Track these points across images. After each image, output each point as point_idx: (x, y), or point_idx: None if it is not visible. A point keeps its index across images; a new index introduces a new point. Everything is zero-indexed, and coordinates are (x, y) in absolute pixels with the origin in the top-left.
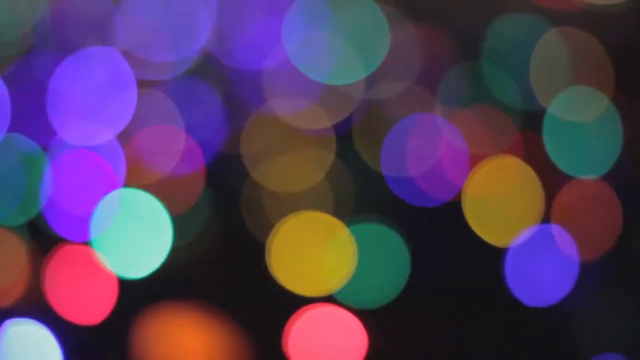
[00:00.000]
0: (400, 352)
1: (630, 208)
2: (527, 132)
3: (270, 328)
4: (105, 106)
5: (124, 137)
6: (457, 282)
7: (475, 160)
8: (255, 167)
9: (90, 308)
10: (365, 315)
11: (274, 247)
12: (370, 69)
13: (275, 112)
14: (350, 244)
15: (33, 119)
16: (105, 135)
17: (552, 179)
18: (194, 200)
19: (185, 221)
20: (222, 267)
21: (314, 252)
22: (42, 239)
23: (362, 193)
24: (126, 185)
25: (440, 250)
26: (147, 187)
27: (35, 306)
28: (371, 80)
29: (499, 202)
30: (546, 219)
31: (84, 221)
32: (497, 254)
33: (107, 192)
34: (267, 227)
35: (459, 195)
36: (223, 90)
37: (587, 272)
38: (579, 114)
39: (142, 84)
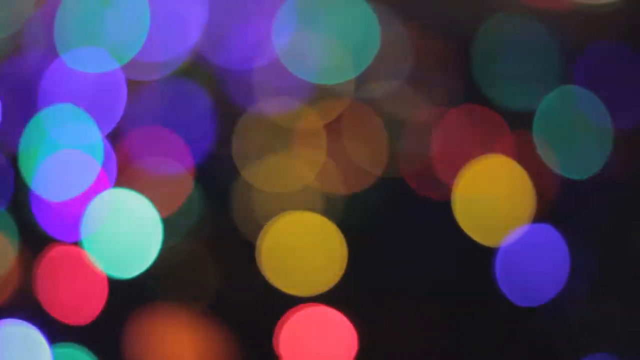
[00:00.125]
0: (390, 352)
1: (621, 207)
2: (517, 132)
3: (261, 328)
4: (96, 106)
5: (114, 138)
6: (447, 282)
7: (465, 159)
8: (246, 167)
9: (81, 308)
10: (356, 315)
11: (265, 247)
12: (360, 69)
13: (266, 112)
14: (341, 244)
15: (23, 119)
16: (96, 135)
17: (543, 179)
18: (184, 200)
19: (175, 221)
20: (212, 267)
21: (304, 252)
22: (32, 239)
23: (352, 193)
24: (116, 185)
25: (430, 250)
26: (137, 188)
27: (25, 306)
28: (361, 80)
29: (490, 201)
30: (537, 219)
31: (75, 221)
32: (487, 254)
33: (97, 192)
34: (257, 227)
35: (449, 194)
36: (213, 90)
37: (578, 271)
38: (570, 114)
39: (132, 84)
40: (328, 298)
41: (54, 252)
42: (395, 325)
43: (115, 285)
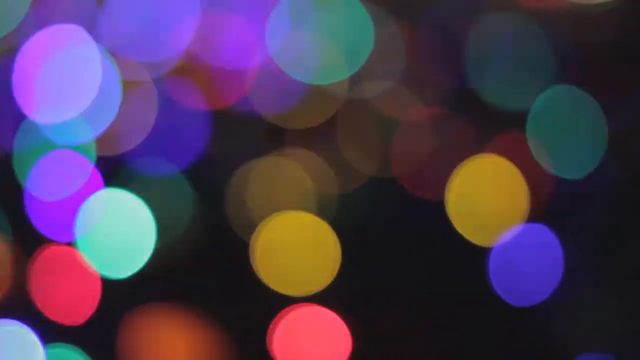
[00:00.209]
0: (384, 352)
1: (614, 207)
2: (511, 132)
3: (254, 328)
4: (90, 106)
5: (107, 137)
6: (441, 282)
7: (459, 159)
8: (239, 167)
9: (74, 308)
10: (349, 315)
11: (258, 247)
12: (354, 69)
13: (259, 112)
14: (334, 244)
15: (16, 119)
16: (89, 135)
17: (537, 179)
18: (177, 200)
19: (169, 221)
20: (206, 267)
21: (297, 252)
22: (26, 239)
23: (345, 193)
24: (110, 185)
25: (424, 250)
26: (130, 188)
27: (19, 306)
28: (355, 80)
29: (483, 201)
30: (530, 219)
31: (68, 221)
32: (481, 254)
33: (91, 192)
34: (251, 227)
35: (442, 194)
36: (207, 90)
37: (572, 271)
38: (563, 114)
39: (126, 84)
40: (321, 298)
41: (48, 252)
42: (389, 325)
43: (109, 286)
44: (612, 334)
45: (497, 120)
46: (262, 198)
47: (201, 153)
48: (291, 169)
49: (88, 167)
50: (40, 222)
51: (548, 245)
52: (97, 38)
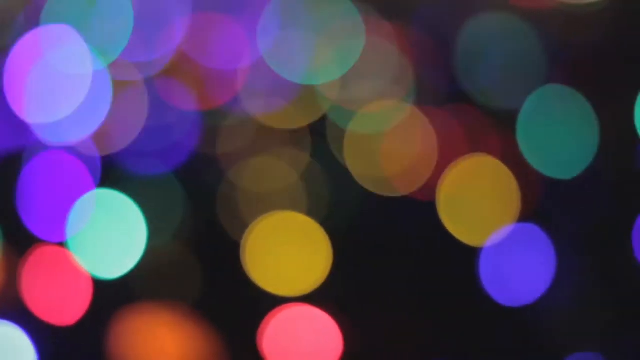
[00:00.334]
0: (375, 352)
1: (605, 208)
2: (502, 132)
3: (245, 328)
4: (80, 106)
5: (98, 138)
6: (432, 282)
7: (449, 159)
8: (230, 166)
9: (65, 308)
10: (341, 315)
11: (249, 247)
12: (345, 69)
13: (250, 111)
14: (325, 244)
15: (7, 119)
16: (80, 135)
17: (527, 179)
18: (168, 200)
19: (160, 221)
20: (197, 267)
21: (288, 251)
22: (17, 239)
23: (336, 193)
24: (101, 185)
25: (415, 250)
26: (121, 188)
27: (9, 306)
28: (346, 80)
29: (474, 201)
30: (521, 219)
31: (59, 222)
32: (472, 254)
33: (82, 192)
34: (242, 227)
35: (433, 194)
36: (197, 90)
37: (563, 271)
38: (554, 113)
39: (116, 83)
40: (313, 298)
41: (39, 252)
42: (380, 325)
43: (100, 286)
44: (602, 333)
45: (488, 120)
46: (253, 198)
47: (192, 153)
48: (282, 169)
49: (79, 168)
50: (32, 222)
51: (538, 245)
52: (88, 38)
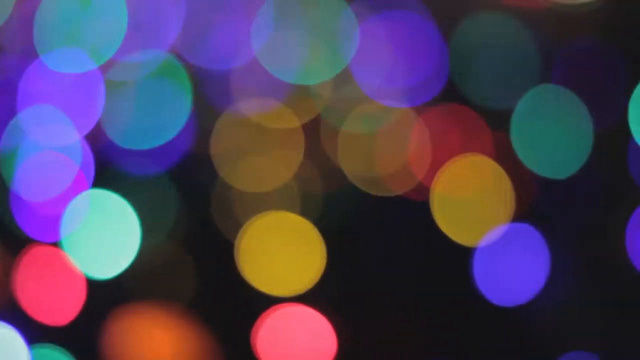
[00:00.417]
0: (369, 352)
1: (599, 207)
2: (496, 131)
3: (239, 327)
4: (74, 107)
5: (92, 138)
6: (426, 282)
7: (444, 159)
8: (224, 167)
9: (59, 308)
10: (335, 315)
11: (243, 247)
12: (338, 69)
13: (244, 112)
14: (319, 244)
15: (1, 119)
16: (74, 136)
17: (521, 178)
18: (162, 200)
19: (153, 221)
20: (191, 267)
21: (282, 251)
22: (11, 239)
23: (329, 193)
24: (95, 185)
25: (408, 250)
26: (115, 188)
27: (4, 307)
28: (339, 80)
29: (468, 201)
30: (515, 218)
31: (53, 222)
32: (466, 254)
33: (76, 193)
34: (236, 227)
35: (427, 194)
36: (191, 90)
37: (556, 271)
38: (548, 113)
39: (110, 84)
40: (307, 298)
41: (33, 253)
42: (374, 325)
43: (94, 286)
44: (596, 333)
45: (482, 120)
46: (246, 198)
47: (186, 153)
48: (276, 169)
49: (73, 168)
50: (26, 223)
51: (532, 245)
52: (82, 38)
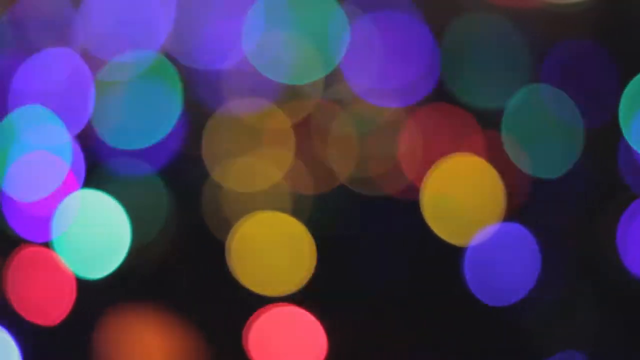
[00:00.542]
0: (360, 353)
1: (590, 207)
2: (487, 131)
3: (230, 327)
4: (64, 107)
5: (83, 138)
6: (416, 282)
7: (434, 158)
8: (215, 167)
9: (50, 308)
10: (325, 316)
11: (234, 247)
12: (329, 69)
13: (235, 112)
14: (309, 244)
15: None
16: (64, 136)
17: (513, 177)
18: (153, 200)
19: (144, 221)
20: (182, 267)
21: (273, 252)
22: (1, 239)
23: (320, 193)
24: (85, 186)
25: (399, 250)
26: (106, 188)
27: None
28: (330, 80)
29: (459, 201)
30: (506, 218)
31: (44, 222)
32: (456, 253)
33: (66, 193)
34: (227, 227)
35: (418, 194)
36: (182, 90)
37: (547, 271)
38: (539, 113)
39: (100, 84)
40: (297, 298)
41: (24, 253)
42: (365, 325)
43: (85, 286)
44: (587, 332)
45: (473, 119)
46: (237, 198)
47: (176, 153)
48: (266, 169)
49: (63, 168)
50: (16, 223)
51: (523, 245)
52: (72, 38)
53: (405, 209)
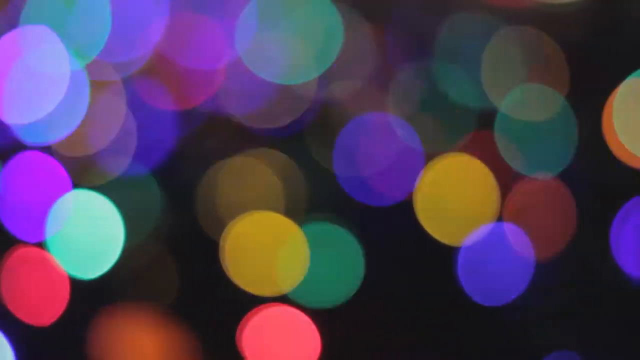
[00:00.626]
0: (353, 352)
1: (584, 207)
2: (480, 131)
3: (224, 327)
4: (58, 107)
5: (76, 138)
6: (410, 282)
7: (427, 158)
8: (208, 166)
9: (43, 308)
10: (318, 316)
11: (228, 247)
12: (322, 68)
13: (228, 111)
14: (303, 244)
15: None
16: (58, 135)
17: (506, 177)
18: (146, 200)
19: (138, 221)
20: (176, 266)
21: (266, 251)
22: None
23: (314, 193)
24: (79, 186)
25: (393, 250)
26: (99, 188)
27: None
28: (324, 80)
29: (452, 200)
30: (500, 218)
31: (38, 222)
32: (450, 253)
33: (60, 193)
34: (221, 227)
35: (411, 194)
36: (175, 90)
37: (541, 271)
38: (532, 112)
39: (94, 84)
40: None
41: (17, 253)
42: (358, 324)
43: (78, 286)
44: (580, 333)
45: (466, 119)
46: (231, 198)
47: (170, 153)
48: (260, 168)
49: (57, 168)
50: (10, 223)
51: (517, 244)
52: (66, 38)
53: (398, 209)
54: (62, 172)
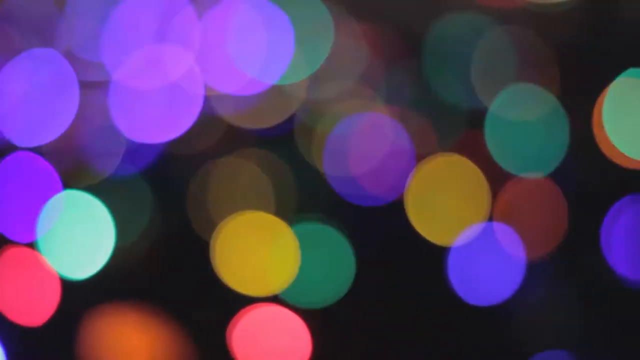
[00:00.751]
0: (344, 352)
1: (575, 206)
2: (471, 131)
3: (214, 327)
4: (48, 108)
5: (66, 139)
6: (401, 282)
7: (418, 158)
8: (199, 167)
9: (34, 309)
10: (309, 316)
11: (218, 247)
12: (313, 68)
13: (218, 111)
14: (293, 244)
15: None
16: (48, 136)
17: (497, 177)
18: (136, 200)
19: (128, 222)
20: (166, 267)
21: (257, 251)
22: None
23: (304, 193)
24: (69, 186)
25: (383, 250)
26: (90, 189)
27: None
28: (314, 80)
29: (442, 200)
30: (490, 217)
31: (28, 223)
32: (440, 253)
33: (50, 193)
34: (211, 227)
35: (402, 194)
36: (166, 90)
37: (532, 270)
38: (522, 112)
39: (84, 85)
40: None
41: (8, 253)
42: (349, 325)
43: (69, 286)
44: (572, 332)
45: (457, 119)
46: (221, 198)
47: (160, 153)
48: (250, 169)
49: (47, 169)
50: (1, 223)
51: (508, 244)
52: (56, 39)
53: (389, 209)
54: (52, 173)
